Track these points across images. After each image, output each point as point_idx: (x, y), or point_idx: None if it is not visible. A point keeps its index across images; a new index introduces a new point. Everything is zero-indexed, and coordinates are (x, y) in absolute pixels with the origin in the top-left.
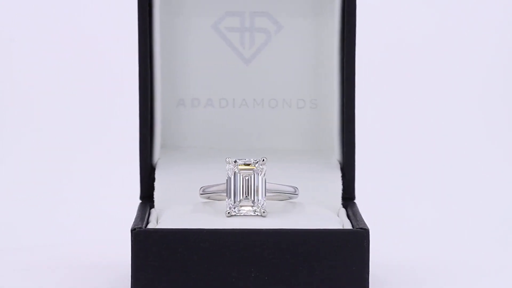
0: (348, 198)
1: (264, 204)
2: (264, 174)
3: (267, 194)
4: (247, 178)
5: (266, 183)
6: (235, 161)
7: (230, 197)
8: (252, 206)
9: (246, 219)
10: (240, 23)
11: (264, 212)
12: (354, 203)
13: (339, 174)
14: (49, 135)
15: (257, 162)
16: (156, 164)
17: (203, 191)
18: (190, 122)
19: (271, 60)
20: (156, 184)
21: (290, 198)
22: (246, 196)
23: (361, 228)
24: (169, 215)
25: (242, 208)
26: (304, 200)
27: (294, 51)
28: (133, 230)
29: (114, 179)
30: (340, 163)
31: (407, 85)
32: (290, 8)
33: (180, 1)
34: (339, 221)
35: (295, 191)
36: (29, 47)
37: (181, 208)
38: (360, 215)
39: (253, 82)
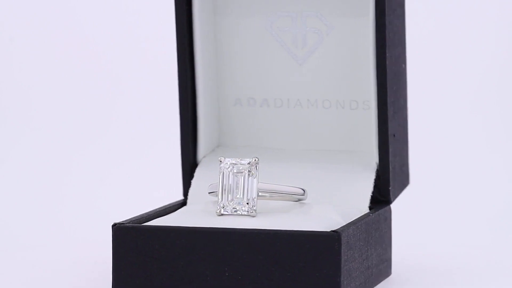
0: (384, 201)
1: (255, 204)
2: (256, 174)
3: (273, 195)
4: (238, 178)
5: (272, 185)
6: (228, 161)
7: (221, 196)
8: (242, 206)
9: (234, 219)
10: (292, 23)
11: (251, 212)
12: (381, 207)
13: (372, 176)
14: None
15: (249, 163)
16: (199, 162)
17: (211, 189)
18: (246, 121)
19: (324, 61)
20: (192, 181)
21: (299, 199)
22: (237, 196)
23: (334, 231)
24: (176, 213)
25: (233, 207)
26: (332, 200)
27: (346, 51)
28: (113, 226)
29: (164, 176)
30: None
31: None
32: (341, 8)
33: (234, 3)
34: (336, 223)
35: (303, 193)
36: (57, 47)
37: (193, 207)
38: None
39: (307, 82)
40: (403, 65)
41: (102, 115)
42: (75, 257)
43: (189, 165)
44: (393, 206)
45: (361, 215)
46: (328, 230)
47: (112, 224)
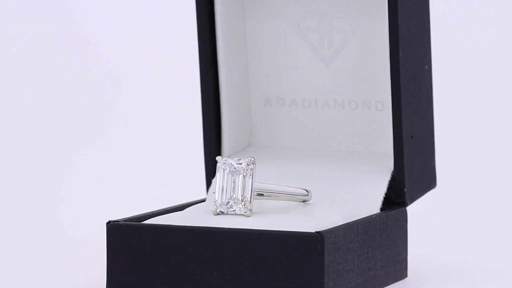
0: (399, 203)
1: (250, 204)
2: (252, 174)
3: (277, 196)
4: (234, 178)
5: (275, 185)
6: (224, 161)
7: (218, 196)
8: (238, 206)
9: (228, 218)
10: (319, 24)
11: (245, 211)
12: (393, 209)
13: (387, 178)
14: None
15: (245, 163)
16: None
17: (212, 189)
18: (275, 121)
19: (350, 61)
20: (213, 180)
21: (304, 200)
22: (232, 195)
23: (317, 232)
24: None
25: (229, 207)
26: (341, 201)
27: (371, 52)
28: (107, 223)
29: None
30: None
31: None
32: (365, 9)
33: (264, 4)
34: (332, 224)
35: (306, 194)
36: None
37: (200, 206)
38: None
39: (333, 83)
40: (426, 66)
41: (119, 115)
42: (75, 257)
43: (212, 164)
44: (415, 208)
45: (363, 216)
46: (317, 231)
47: (106, 221)
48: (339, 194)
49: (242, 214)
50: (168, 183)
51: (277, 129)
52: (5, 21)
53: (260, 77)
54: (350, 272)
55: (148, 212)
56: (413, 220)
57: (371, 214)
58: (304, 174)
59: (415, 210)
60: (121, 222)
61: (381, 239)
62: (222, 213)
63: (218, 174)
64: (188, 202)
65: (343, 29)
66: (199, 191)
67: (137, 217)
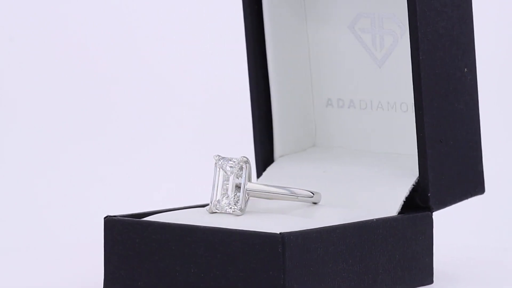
0: (425, 207)
1: (241, 203)
2: (245, 174)
3: (279, 196)
4: (228, 176)
5: (261, 185)
6: (221, 160)
7: (213, 194)
8: (231, 205)
9: (219, 217)
10: (372, 25)
11: (234, 211)
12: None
13: (411, 182)
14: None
15: (238, 162)
16: (275, 160)
17: None
18: (334, 123)
19: (401, 63)
20: (258, 180)
21: (314, 202)
22: (225, 194)
23: (279, 233)
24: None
25: (223, 206)
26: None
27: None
28: (105, 218)
29: None
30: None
31: None
32: None
33: (323, 6)
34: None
35: (311, 196)
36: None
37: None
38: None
39: (386, 84)
40: (465, 69)
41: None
42: (74, 255)
43: (263, 163)
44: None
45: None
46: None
47: (104, 216)
48: (362, 195)
49: (232, 213)
50: (172, 184)
51: (337, 130)
52: (5, 21)
53: (321, 78)
54: (331, 275)
55: (149, 211)
56: (453, 225)
57: (377, 217)
58: (341, 175)
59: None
60: (118, 217)
61: (387, 242)
62: (216, 211)
63: (214, 173)
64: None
65: (393, 30)
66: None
67: (136, 214)
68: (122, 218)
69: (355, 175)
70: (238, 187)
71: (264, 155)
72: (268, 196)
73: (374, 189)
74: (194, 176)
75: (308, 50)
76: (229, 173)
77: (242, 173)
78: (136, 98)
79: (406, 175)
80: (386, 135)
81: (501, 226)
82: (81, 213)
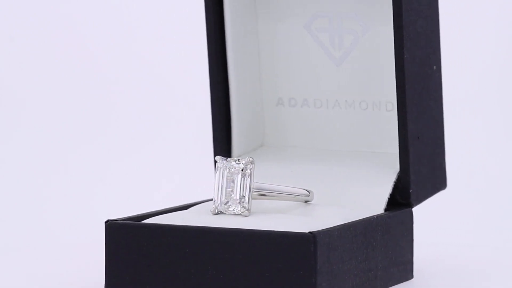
0: (404, 204)
1: (248, 204)
2: (250, 174)
3: (276, 196)
4: (233, 177)
5: (274, 185)
6: (223, 161)
7: (216, 195)
8: (236, 206)
9: (226, 218)
10: (330, 24)
11: (243, 211)
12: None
13: (392, 179)
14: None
15: (244, 162)
16: None
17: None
18: (288, 122)
19: (360, 62)
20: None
21: (306, 200)
22: (231, 195)
23: (310, 233)
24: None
25: (228, 207)
26: (344, 201)
27: (381, 52)
28: (106, 222)
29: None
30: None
31: None
32: (375, 9)
33: (276, 5)
34: (330, 225)
35: (307, 194)
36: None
37: (203, 206)
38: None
39: (344, 83)
40: (435, 67)
41: (109, 115)
42: (74, 257)
43: None
44: (424, 208)
45: (364, 217)
46: (311, 231)
47: (105, 220)
48: (344, 194)
49: (240, 214)
50: (170, 183)
51: (289, 129)
52: (5, 21)
53: (272, 78)
54: (346, 273)
55: (148, 212)
56: (421, 221)
57: (373, 214)
58: (312, 174)
59: (423, 211)
60: (119, 221)
61: (383, 240)
62: (221, 212)
63: (217, 174)
64: (191, 203)
65: (354, 29)
66: (201, 191)
67: (136, 217)
68: (126, 222)
69: (325, 175)
70: (244, 187)
71: (223, 155)
72: (272, 196)
73: (354, 187)
74: (194, 176)
75: (258, 49)
76: (235, 174)
77: (248, 173)
78: (136, 98)
79: (382, 173)
80: (344, 133)
81: (464, 221)
82: (81, 213)
